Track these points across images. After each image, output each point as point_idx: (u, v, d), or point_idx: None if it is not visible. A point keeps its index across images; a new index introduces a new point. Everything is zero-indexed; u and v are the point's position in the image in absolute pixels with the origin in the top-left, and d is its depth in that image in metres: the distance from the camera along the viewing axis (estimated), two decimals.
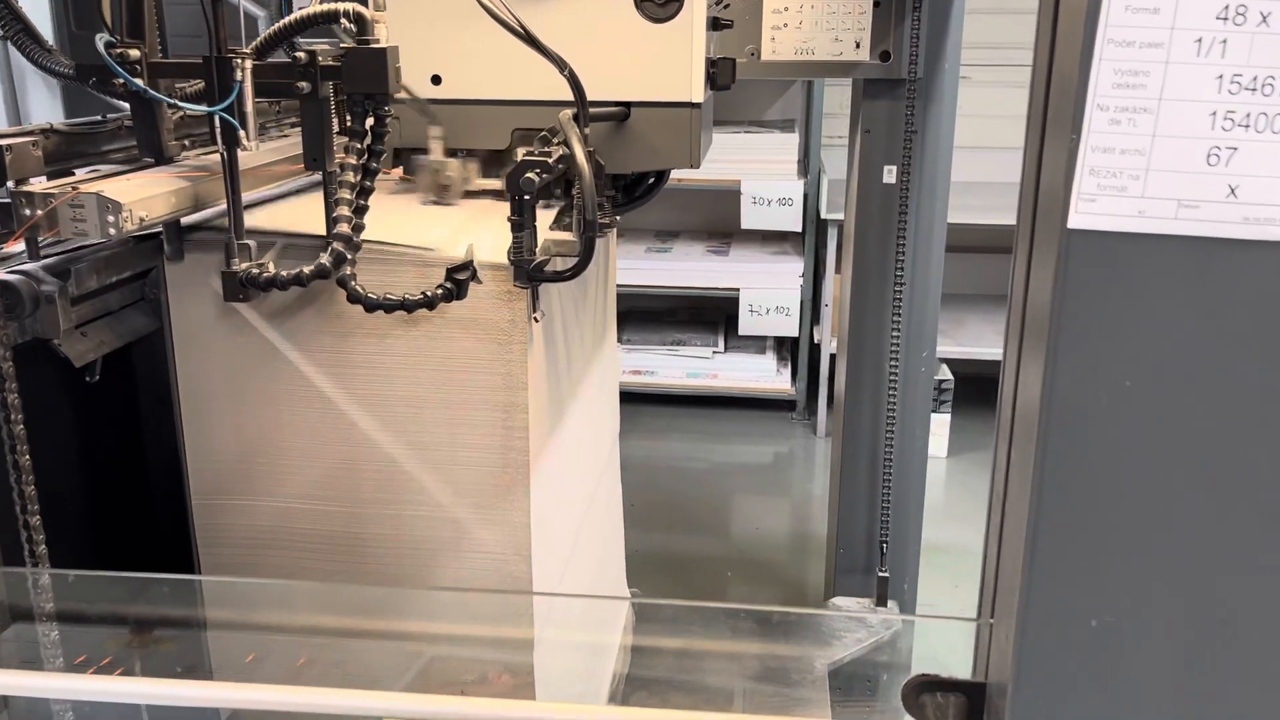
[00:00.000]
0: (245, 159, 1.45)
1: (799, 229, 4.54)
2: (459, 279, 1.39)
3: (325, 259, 1.36)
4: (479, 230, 1.51)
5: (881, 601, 2.74)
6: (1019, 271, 0.94)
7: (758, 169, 4.46)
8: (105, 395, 1.58)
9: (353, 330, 1.52)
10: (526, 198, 1.32)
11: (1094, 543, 0.86)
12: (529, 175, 1.31)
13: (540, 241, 1.44)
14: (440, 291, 1.39)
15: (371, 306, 1.39)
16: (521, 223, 1.35)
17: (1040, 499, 0.86)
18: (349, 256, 1.37)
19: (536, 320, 1.48)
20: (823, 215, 4.39)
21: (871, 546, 2.79)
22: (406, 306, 1.38)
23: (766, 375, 4.80)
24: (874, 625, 2.71)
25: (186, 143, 1.64)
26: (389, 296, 1.39)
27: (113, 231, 1.25)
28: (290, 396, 1.57)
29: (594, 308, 2.00)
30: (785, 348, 4.92)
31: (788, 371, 4.82)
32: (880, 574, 2.72)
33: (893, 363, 2.55)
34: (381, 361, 1.53)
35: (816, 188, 4.50)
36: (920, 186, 2.47)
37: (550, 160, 1.33)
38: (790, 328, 4.63)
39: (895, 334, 2.53)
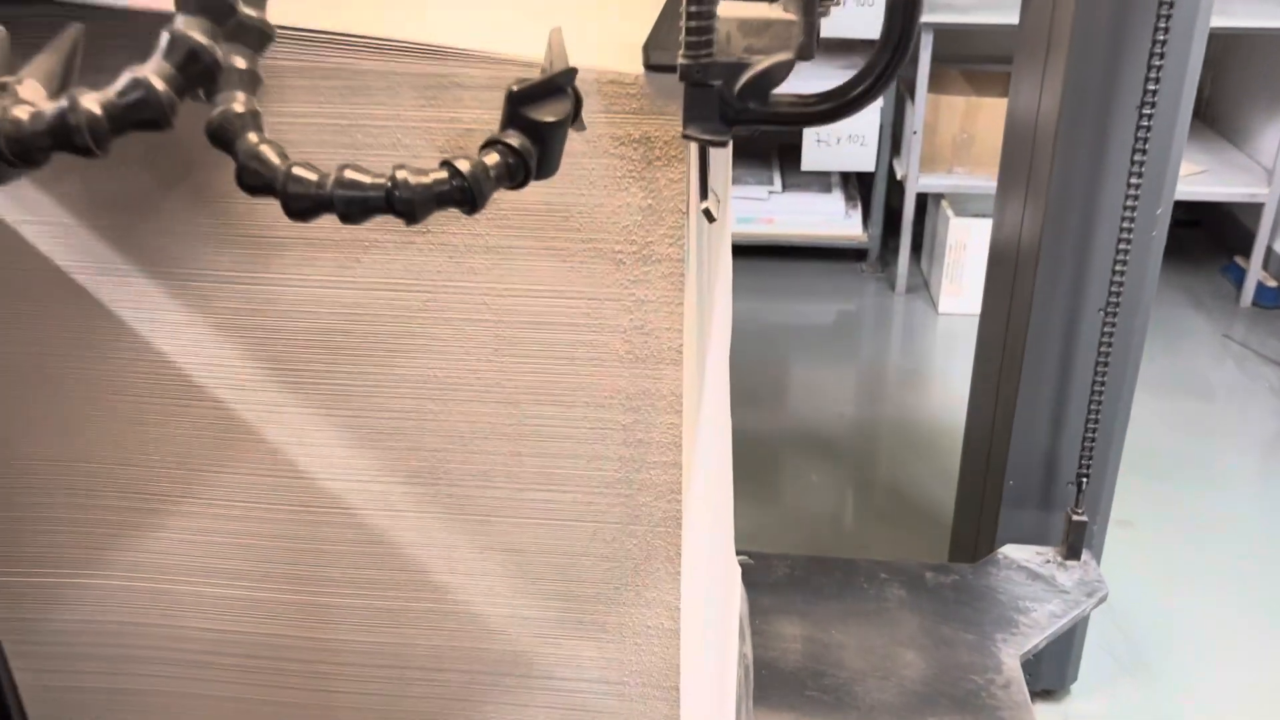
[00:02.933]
0: None
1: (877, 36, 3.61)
2: (545, 122, 0.52)
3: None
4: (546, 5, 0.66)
5: (1073, 554, 1.98)
6: None
7: None
8: None
9: (290, 239, 0.69)
10: None
11: None
12: None
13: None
14: (497, 165, 0.52)
15: (302, 208, 0.51)
16: None
17: None
18: (257, 76, 0.49)
19: (711, 217, 0.65)
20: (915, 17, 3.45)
21: (1052, 476, 2.03)
22: (398, 208, 0.51)
23: (834, 219, 3.98)
24: (1070, 590, 1.97)
25: None
26: (349, 174, 0.52)
27: None
28: (158, 381, 0.75)
29: (723, 180, 1.16)
30: (853, 184, 4.05)
31: (858, 214, 3.99)
32: (1076, 517, 1.95)
33: (1126, 224, 1.72)
34: (359, 303, 0.70)
35: None
36: None
37: None
38: (865, 161, 3.78)
39: (1136, 180, 1.68)
